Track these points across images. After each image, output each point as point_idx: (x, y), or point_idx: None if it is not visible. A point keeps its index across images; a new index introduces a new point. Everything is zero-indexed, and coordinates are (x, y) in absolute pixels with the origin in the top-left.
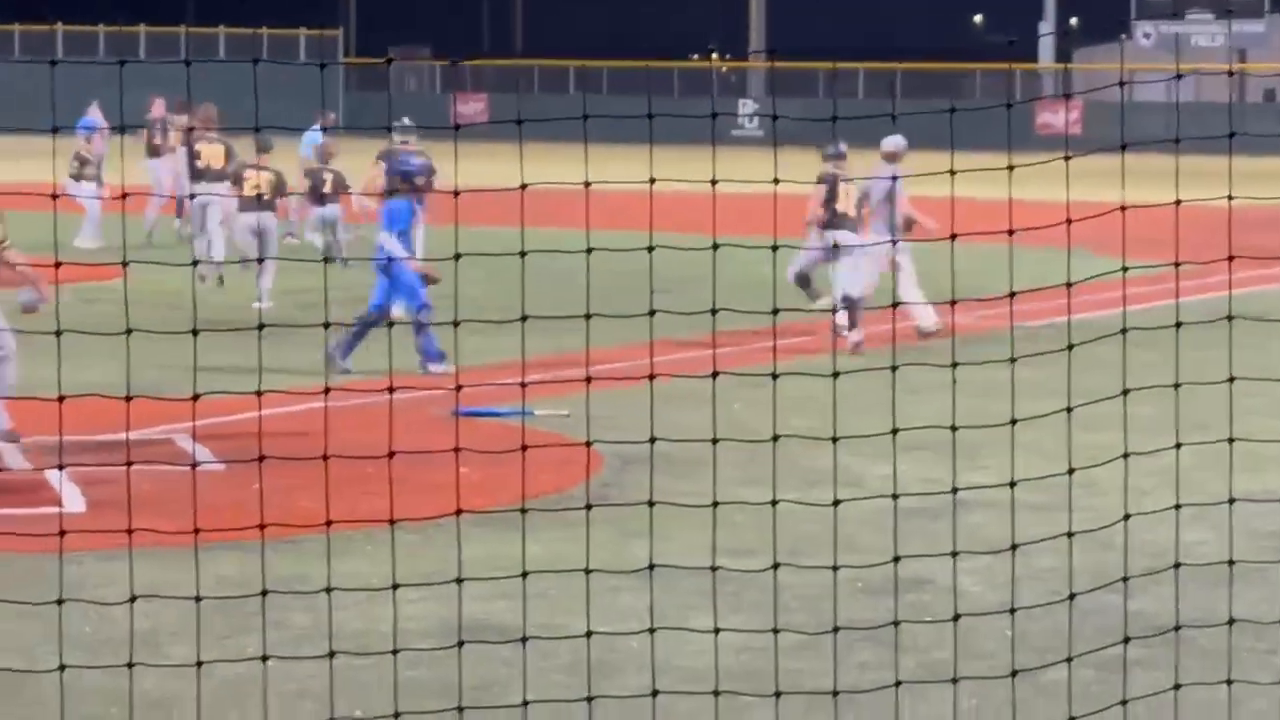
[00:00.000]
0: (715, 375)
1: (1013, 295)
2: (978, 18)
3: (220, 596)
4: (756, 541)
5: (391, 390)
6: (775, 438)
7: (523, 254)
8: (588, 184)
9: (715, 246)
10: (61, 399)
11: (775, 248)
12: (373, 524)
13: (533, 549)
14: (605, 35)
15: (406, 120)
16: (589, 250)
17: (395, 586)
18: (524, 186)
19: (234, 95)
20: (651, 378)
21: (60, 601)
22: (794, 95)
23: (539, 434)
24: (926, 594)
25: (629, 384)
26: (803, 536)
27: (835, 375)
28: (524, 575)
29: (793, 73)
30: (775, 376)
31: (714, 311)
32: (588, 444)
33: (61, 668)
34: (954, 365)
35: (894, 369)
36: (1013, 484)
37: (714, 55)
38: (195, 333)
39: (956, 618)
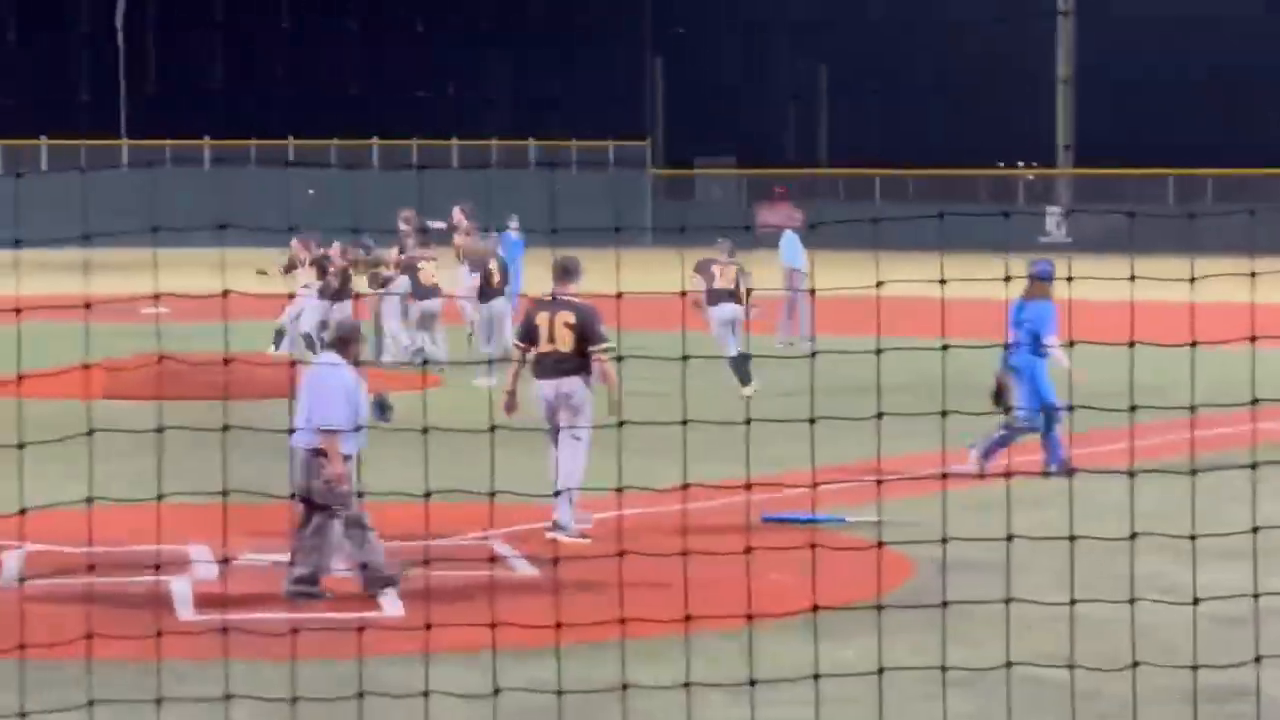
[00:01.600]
0: (1002, 479)
1: None
2: None
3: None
4: (1071, 647)
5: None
6: (1072, 538)
7: (812, 354)
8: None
9: (1004, 349)
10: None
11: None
12: (679, 625)
13: (845, 654)
14: (910, 144)
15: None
16: (878, 351)
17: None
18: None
19: (542, 203)
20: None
21: (360, 695)
22: (1100, 200)
23: (851, 539)
24: (1245, 704)
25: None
26: (1118, 643)
27: (1131, 474)
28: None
29: (1100, 180)
30: (1071, 473)
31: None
32: (879, 545)
33: None
34: (1253, 466)
35: (1193, 473)
36: None
37: (1019, 164)
38: (493, 429)
39: None
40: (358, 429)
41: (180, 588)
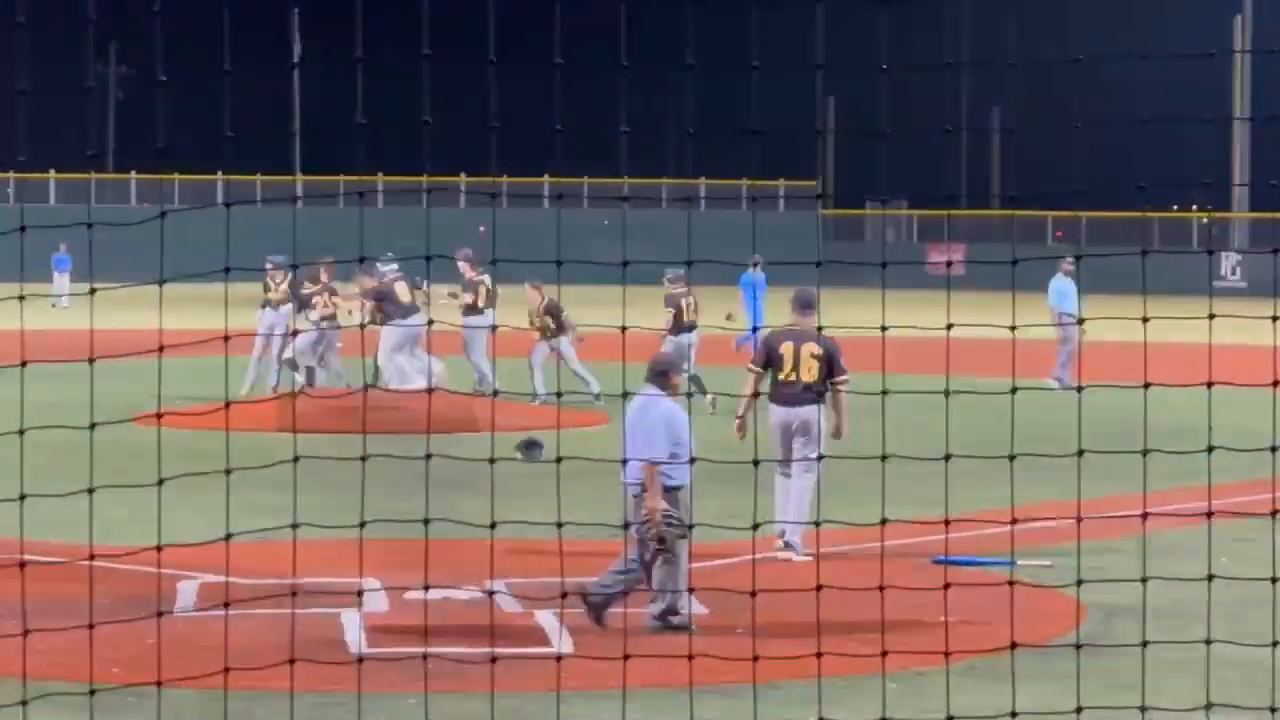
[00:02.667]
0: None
1: None
2: None
3: None
4: (1247, 695)
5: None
6: (1275, 579)
7: (946, 393)
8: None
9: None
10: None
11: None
12: (858, 671)
13: (1021, 699)
14: (1085, 185)
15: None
16: (1007, 391)
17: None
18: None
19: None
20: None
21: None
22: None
23: (1021, 585)
24: None
25: (1112, 535)
26: None
27: None
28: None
29: (1277, 223)
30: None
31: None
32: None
33: None
34: None
35: None
36: None
37: (1194, 206)
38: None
39: None
40: (691, 461)
41: (350, 620)
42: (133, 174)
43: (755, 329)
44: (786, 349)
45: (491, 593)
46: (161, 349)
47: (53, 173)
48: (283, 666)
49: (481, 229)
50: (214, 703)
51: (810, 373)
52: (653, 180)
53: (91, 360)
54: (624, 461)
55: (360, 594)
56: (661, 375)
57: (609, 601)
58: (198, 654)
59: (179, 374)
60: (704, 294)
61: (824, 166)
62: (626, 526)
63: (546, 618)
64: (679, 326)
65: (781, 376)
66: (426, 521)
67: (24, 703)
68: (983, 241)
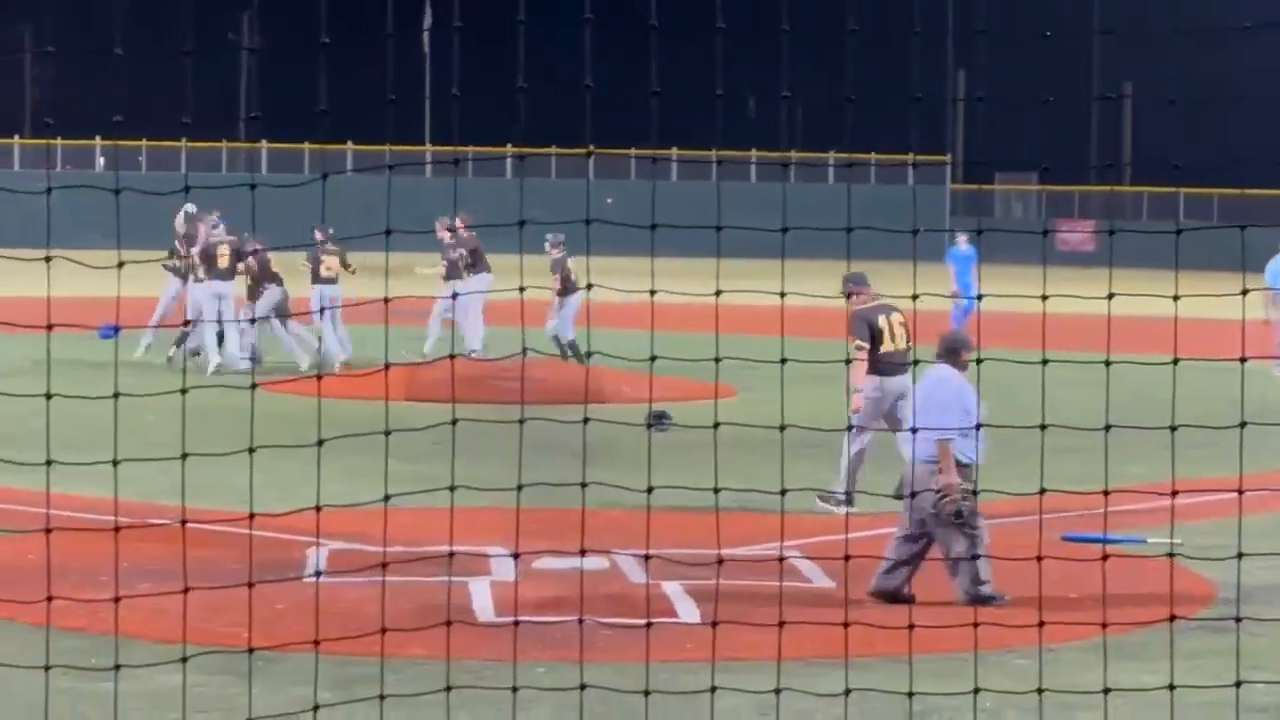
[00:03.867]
0: None
1: None
2: None
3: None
4: None
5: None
6: None
7: (1107, 362)
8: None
9: None
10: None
11: None
12: (986, 646)
13: (1146, 678)
14: (1216, 161)
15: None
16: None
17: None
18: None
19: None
20: None
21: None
22: None
23: (1150, 563)
24: None
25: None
26: None
27: None
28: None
29: None
30: None
31: None
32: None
33: None
34: None
35: None
36: None
37: None
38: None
39: None
40: (977, 431)
41: (479, 589)
42: (263, 142)
43: (975, 298)
44: (883, 322)
45: (648, 555)
46: (322, 310)
47: (184, 141)
48: (413, 633)
49: (609, 200)
50: (343, 668)
51: (901, 340)
52: (779, 154)
53: (253, 321)
54: (912, 430)
55: (517, 556)
56: (952, 353)
57: (898, 589)
58: (326, 620)
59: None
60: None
61: (953, 141)
62: (913, 495)
63: (674, 587)
64: (566, 289)
65: (884, 348)
66: (584, 485)
67: (184, 659)
68: (1115, 219)
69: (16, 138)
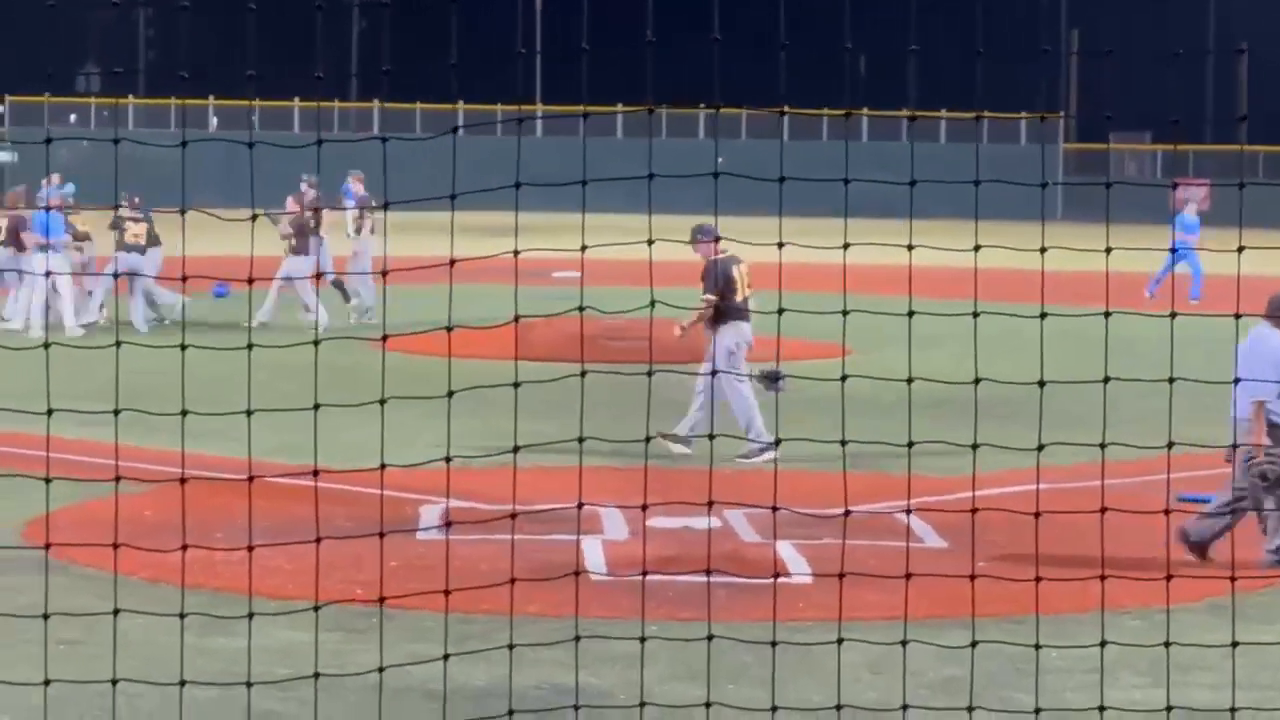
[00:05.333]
0: None
1: None
2: None
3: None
4: None
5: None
6: None
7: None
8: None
9: None
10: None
11: None
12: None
13: (1267, 636)
14: None
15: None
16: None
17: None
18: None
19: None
20: None
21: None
22: None
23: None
24: None
25: None
26: None
27: None
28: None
29: None
30: None
31: None
32: None
33: None
34: None
35: None
36: None
37: None
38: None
39: None
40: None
41: (591, 546)
42: (376, 101)
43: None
44: (737, 271)
45: (775, 506)
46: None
47: (297, 100)
48: (531, 590)
49: (720, 159)
50: (456, 625)
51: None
52: (893, 113)
53: (385, 272)
54: (1235, 382)
55: (645, 507)
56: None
57: (1212, 539)
58: (440, 577)
59: (416, 300)
60: (987, 228)
61: (1067, 100)
62: (1233, 449)
63: (786, 548)
64: (303, 247)
65: (737, 297)
66: (711, 437)
67: (317, 608)
68: (1229, 178)
69: (131, 97)
